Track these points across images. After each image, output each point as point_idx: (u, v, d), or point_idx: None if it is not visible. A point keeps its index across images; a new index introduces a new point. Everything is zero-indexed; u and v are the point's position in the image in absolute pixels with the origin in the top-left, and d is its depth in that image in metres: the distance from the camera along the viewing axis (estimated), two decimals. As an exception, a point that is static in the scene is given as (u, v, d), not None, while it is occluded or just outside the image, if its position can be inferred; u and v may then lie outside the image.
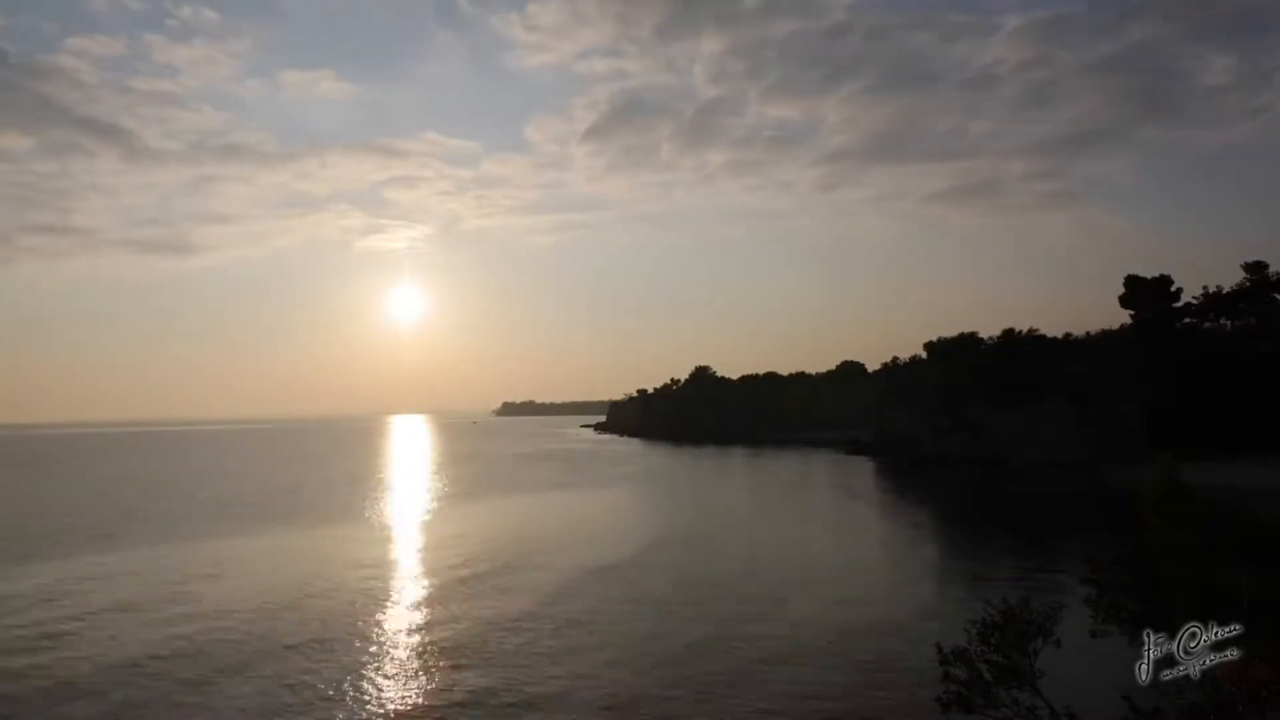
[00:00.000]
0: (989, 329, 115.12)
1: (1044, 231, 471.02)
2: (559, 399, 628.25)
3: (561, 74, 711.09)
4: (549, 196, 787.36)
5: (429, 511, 68.04)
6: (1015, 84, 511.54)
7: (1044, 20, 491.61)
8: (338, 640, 29.03)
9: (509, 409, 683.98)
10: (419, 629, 30.74)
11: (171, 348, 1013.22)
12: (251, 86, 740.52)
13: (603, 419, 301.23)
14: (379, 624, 31.63)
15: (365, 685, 24.41)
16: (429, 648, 28.27)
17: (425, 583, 39.21)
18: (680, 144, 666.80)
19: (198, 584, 39.13)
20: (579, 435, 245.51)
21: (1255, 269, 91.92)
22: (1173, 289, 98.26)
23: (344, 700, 23.29)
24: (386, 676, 25.40)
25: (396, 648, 28.48)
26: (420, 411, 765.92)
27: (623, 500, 75.00)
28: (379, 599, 35.71)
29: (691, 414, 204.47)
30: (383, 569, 43.06)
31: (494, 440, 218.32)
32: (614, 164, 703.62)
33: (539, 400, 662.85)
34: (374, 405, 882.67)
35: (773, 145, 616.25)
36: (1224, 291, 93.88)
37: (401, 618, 32.54)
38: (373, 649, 28.25)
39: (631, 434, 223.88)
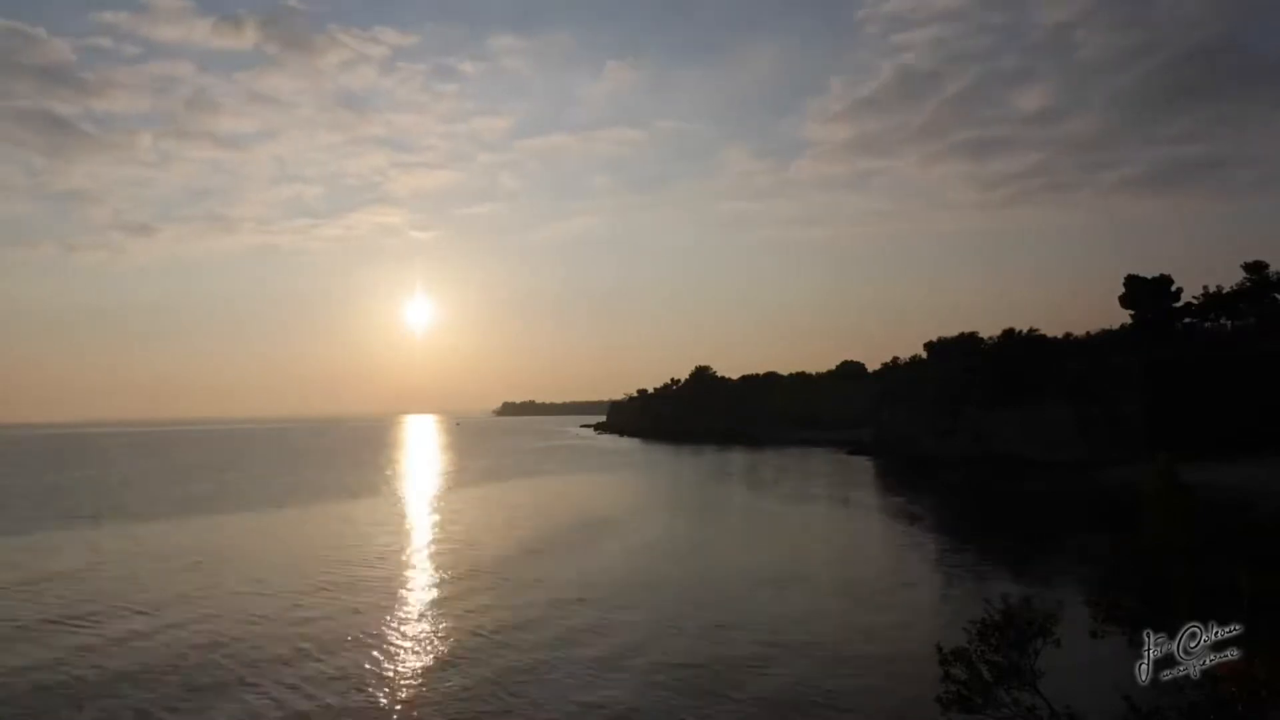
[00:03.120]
0: (989, 329, 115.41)
1: (1046, 231, 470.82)
2: (559, 399, 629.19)
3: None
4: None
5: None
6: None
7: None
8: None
9: (509, 409, 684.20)
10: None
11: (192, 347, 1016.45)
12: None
13: (603, 419, 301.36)
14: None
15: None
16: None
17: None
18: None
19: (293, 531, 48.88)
20: (579, 434, 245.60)
21: (1255, 269, 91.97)
22: (1173, 289, 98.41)
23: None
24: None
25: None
26: (426, 411, 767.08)
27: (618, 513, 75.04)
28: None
29: (691, 414, 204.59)
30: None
31: (470, 447, 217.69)
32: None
33: (539, 400, 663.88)
34: (374, 406, 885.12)
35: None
36: (1224, 291, 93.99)
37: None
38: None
39: (631, 434, 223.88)
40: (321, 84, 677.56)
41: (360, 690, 23.85)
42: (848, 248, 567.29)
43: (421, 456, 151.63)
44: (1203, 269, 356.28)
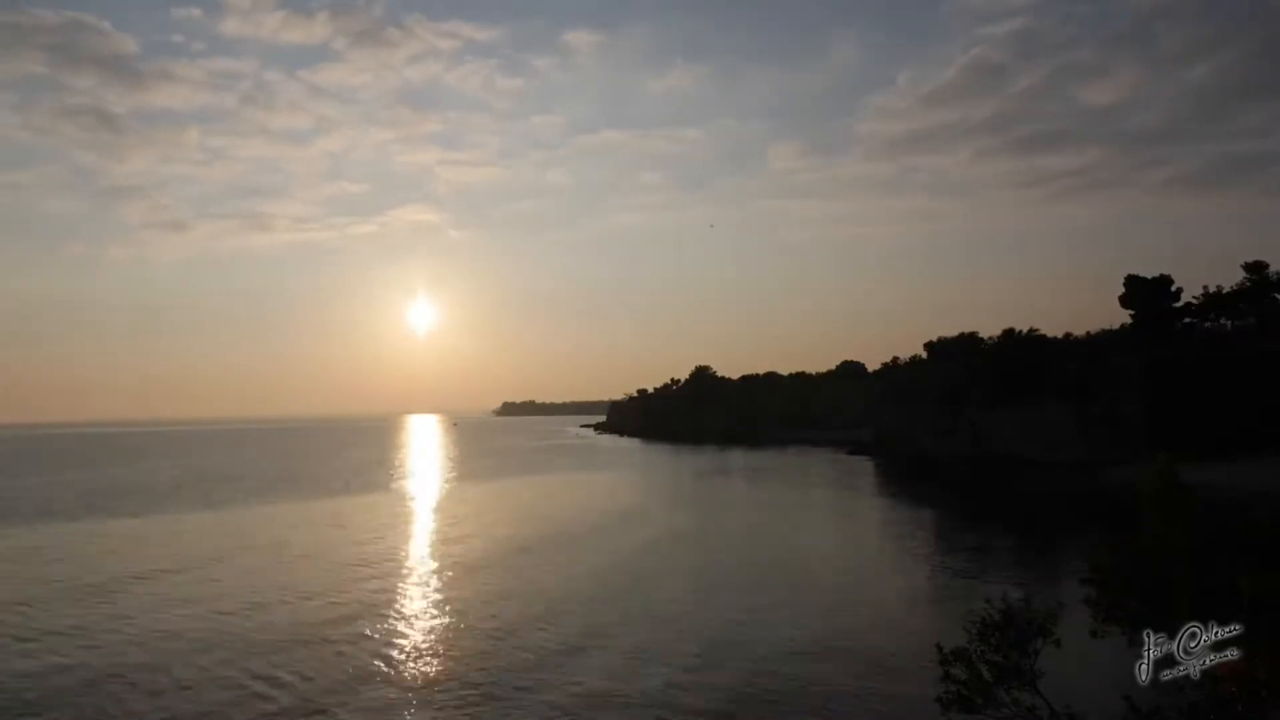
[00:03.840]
0: (989, 329, 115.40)
1: (1047, 230, 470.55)
2: (559, 399, 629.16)
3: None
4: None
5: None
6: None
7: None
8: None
9: (509, 409, 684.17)
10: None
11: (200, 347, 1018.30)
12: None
13: (603, 419, 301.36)
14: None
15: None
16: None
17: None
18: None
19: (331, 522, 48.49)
20: (578, 434, 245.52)
21: (1255, 269, 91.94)
22: (1173, 289, 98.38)
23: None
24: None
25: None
26: (428, 411, 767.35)
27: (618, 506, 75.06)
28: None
29: (691, 414, 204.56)
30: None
31: (466, 447, 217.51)
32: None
33: (539, 400, 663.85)
34: (375, 406, 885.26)
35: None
36: (1224, 291, 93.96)
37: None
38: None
39: (631, 434, 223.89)
40: (385, 79, 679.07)
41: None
42: (876, 246, 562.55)
43: (428, 457, 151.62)
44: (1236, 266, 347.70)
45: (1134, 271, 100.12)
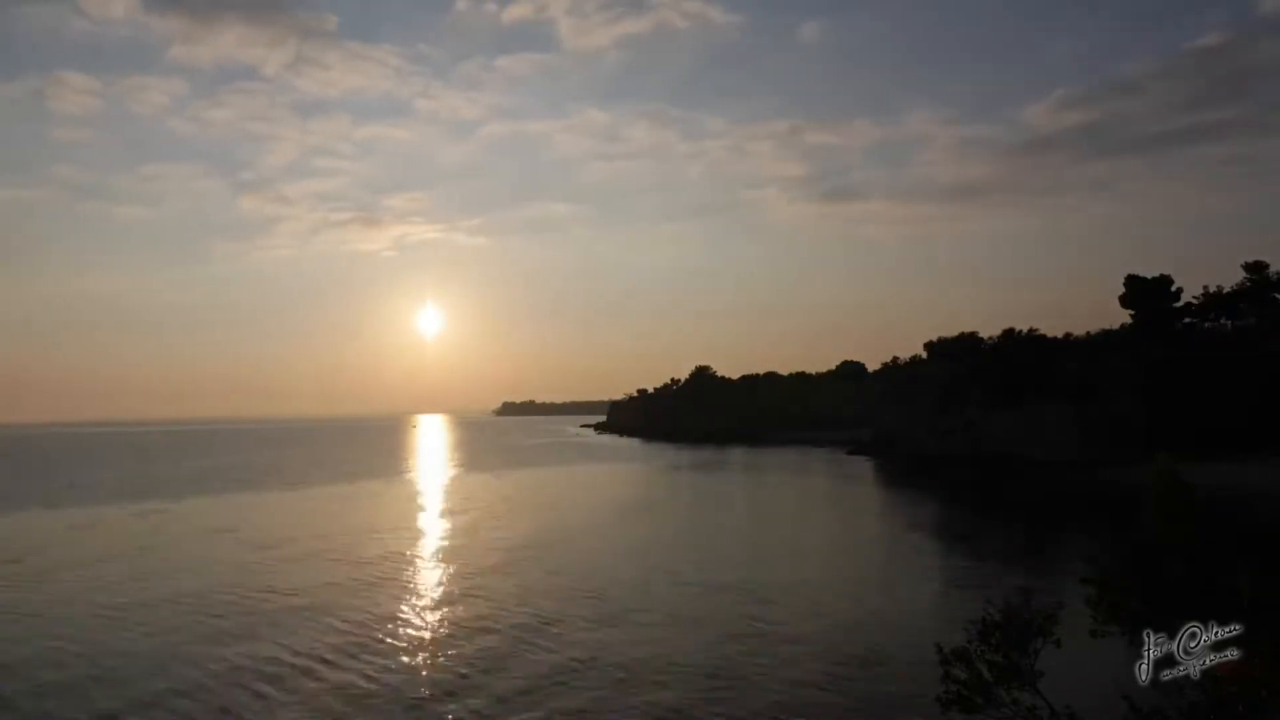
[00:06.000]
0: (989, 329, 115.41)
1: (1048, 230, 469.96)
2: (559, 399, 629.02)
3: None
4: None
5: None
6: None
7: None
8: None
9: (509, 409, 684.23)
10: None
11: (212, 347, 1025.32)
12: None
13: (603, 419, 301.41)
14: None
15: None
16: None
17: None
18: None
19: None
20: (578, 434, 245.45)
21: (1255, 269, 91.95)
22: (1173, 289, 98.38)
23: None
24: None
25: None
26: (432, 411, 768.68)
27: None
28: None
29: (691, 414, 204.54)
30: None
31: (489, 443, 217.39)
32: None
33: (539, 400, 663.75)
34: (378, 406, 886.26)
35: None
36: (1224, 291, 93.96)
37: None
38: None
39: (631, 434, 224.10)
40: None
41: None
42: (877, 246, 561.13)
43: (467, 449, 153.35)
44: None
45: (1134, 271, 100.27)
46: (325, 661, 26.58)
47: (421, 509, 70.13)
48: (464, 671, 25.44)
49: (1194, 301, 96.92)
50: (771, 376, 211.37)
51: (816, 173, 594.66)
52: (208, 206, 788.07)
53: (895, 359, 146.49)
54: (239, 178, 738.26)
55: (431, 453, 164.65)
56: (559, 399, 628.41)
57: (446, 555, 46.63)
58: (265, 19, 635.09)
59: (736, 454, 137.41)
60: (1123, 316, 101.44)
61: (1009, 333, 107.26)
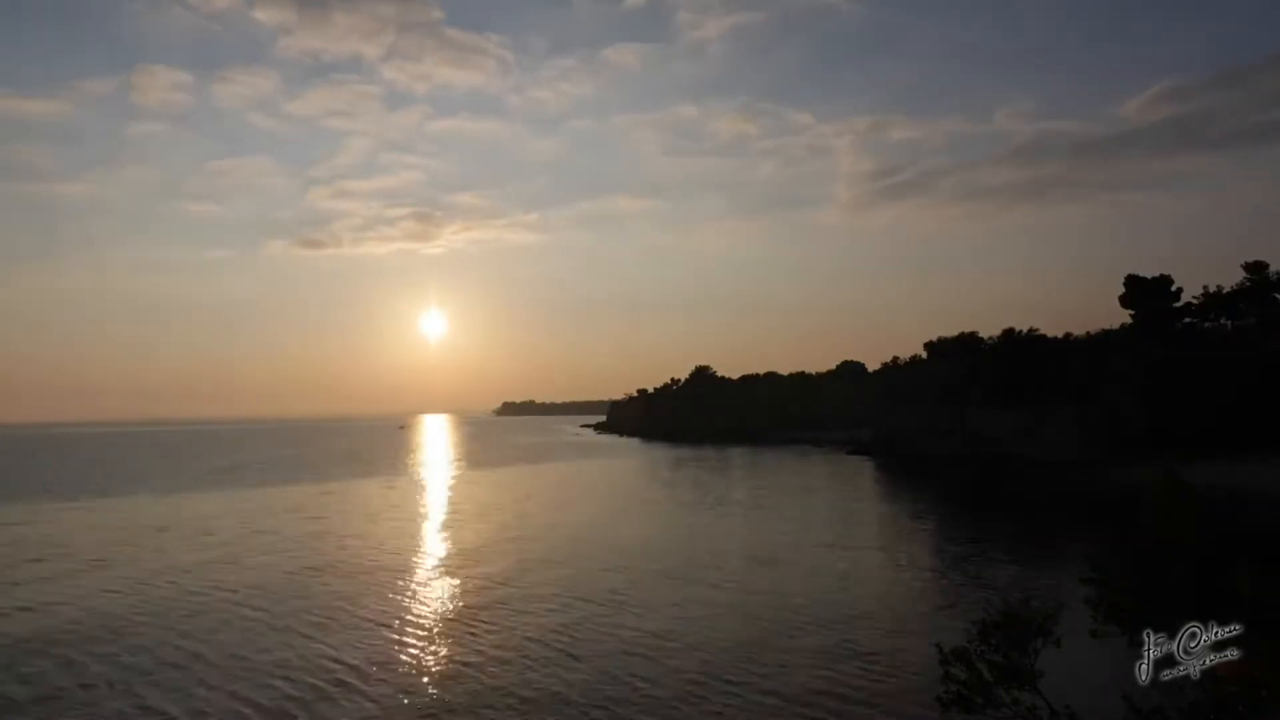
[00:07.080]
0: (989, 329, 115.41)
1: (1048, 230, 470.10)
2: (559, 398, 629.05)
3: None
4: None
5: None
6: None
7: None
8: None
9: (509, 409, 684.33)
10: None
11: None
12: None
13: (603, 418, 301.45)
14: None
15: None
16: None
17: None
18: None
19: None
20: (578, 434, 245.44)
21: (1255, 269, 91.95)
22: (1173, 289, 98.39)
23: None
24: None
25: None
26: (436, 411, 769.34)
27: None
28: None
29: (691, 413, 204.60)
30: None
31: (494, 440, 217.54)
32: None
33: (539, 400, 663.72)
34: (382, 407, 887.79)
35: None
36: (1224, 291, 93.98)
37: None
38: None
39: (631, 433, 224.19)
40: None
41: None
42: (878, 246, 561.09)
43: (473, 446, 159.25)
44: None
45: (1134, 271, 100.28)
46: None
47: (491, 504, 70.35)
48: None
49: (1194, 301, 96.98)
50: (771, 376, 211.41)
51: (884, 169, 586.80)
52: (272, 202, 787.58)
53: (895, 359, 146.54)
54: (307, 175, 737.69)
55: (455, 449, 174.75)
56: (559, 399, 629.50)
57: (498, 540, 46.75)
58: (369, 9, 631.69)
59: (736, 454, 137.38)
60: (1123, 316, 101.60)
61: (1009, 333, 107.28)
